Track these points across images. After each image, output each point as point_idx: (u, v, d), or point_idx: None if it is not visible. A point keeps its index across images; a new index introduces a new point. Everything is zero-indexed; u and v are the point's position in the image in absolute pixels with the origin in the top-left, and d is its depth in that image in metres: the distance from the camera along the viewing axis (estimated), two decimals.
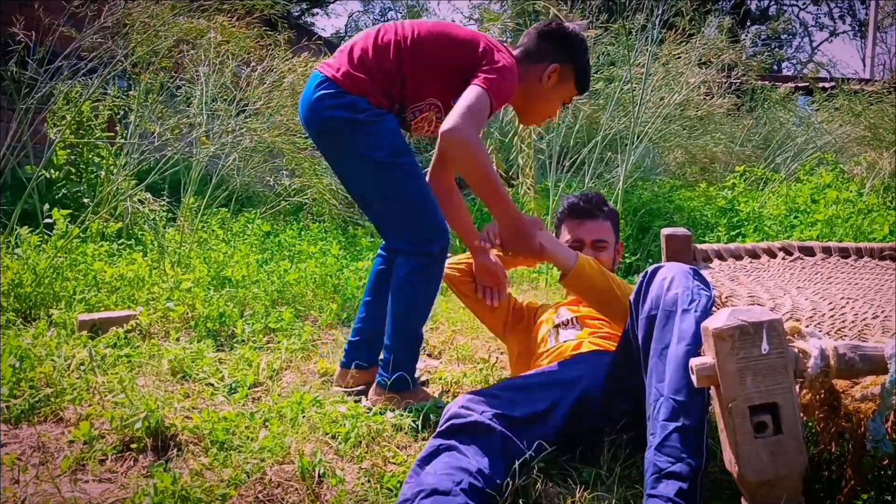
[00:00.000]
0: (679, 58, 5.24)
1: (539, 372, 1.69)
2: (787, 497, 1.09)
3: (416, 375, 1.88)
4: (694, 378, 1.13)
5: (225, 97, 3.99)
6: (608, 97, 5.16)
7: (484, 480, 1.28)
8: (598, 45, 5.07)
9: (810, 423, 1.24)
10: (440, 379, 2.15)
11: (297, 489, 1.35)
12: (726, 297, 1.49)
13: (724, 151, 6.58)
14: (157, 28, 3.67)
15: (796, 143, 6.58)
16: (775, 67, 17.37)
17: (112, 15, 3.50)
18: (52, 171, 3.93)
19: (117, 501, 1.31)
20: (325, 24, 47.06)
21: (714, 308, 1.31)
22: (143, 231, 3.65)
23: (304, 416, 1.63)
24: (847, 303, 1.44)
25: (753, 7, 19.97)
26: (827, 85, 8.25)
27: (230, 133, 3.75)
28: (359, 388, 1.93)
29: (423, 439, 1.61)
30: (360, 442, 1.55)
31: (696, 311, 1.27)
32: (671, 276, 1.34)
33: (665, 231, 1.77)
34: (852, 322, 1.33)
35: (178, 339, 2.31)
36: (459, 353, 2.46)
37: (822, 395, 1.17)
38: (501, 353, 2.43)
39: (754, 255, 1.87)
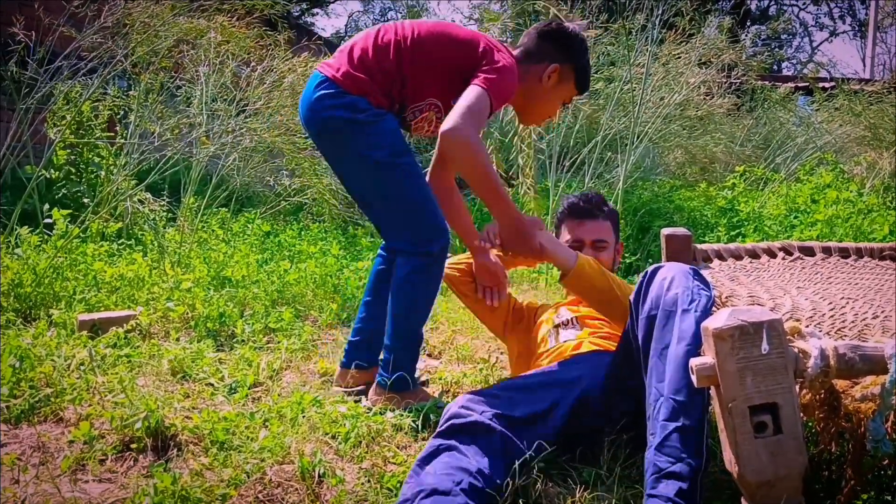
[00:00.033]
0: (679, 58, 5.24)
1: (539, 372, 1.69)
2: (787, 497, 1.09)
3: (416, 375, 1.88)
4: (694, 378, 1.13)
5: (225, 97, 3.99)
6: (608, 97, 5.16)
7: (484, 480, 1.29)
8: (598, 45, 5.07)
9: (810, 423, 1.24)
10: (440, 379, 2.15)
11: (297, 489, 1.35)
12: (726, 297, 1.49)
13: (724, 151, 6.57)
14: (157, 28, 3.66)
15: (796, 143, 6.58)
16: (775, 67, 17.37)
17: (112, 15, 3.50)
18: (52, 171, 3.93)
19: (117, 501, 1.31)
20: (325, 24, 47.07)
21: (714, 308, 1.31)
22: (143, 231, 3.65)
23: (304, 416, 1.63)
24: (847, 303, 1.44)
25: (753, 7, 19.98)
26: (827, 85, 8.25)
27: (230, 133, 3.75)
28: (359, 388, 1.93)
29: (423, 439, 1.61)
30: (360, 442, 1.55)
31: (696, 311, 1.27)
32: (671, 276, 1.34)
33: (665, 231, 1.77)
34: (852, 322, 1.33)
35: (178, 339, 2.31)
36: (459, 353, 2.46)
37: (822, 395, 1.17)
38: (501, 353, 2.43)
39: (754, 255, 1.87)
